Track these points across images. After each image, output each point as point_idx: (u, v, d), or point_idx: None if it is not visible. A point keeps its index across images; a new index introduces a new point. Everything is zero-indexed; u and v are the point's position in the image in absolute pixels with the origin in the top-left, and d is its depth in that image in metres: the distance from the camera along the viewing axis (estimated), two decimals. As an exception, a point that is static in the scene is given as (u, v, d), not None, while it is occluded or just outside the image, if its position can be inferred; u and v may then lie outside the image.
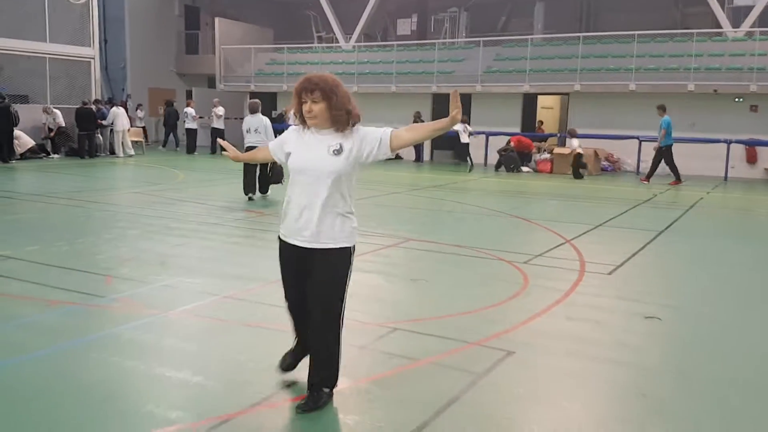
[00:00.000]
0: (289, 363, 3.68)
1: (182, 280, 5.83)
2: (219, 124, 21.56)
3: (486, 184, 15.65)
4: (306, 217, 3.25)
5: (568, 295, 5.66)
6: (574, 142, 16.95)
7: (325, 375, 3.36)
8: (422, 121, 18.66)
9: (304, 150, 3.29)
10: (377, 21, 26.49)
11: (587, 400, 3.63)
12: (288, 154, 3.36)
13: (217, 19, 25.72)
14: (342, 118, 3.21)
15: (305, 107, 3.21)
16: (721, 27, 19.48)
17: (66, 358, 4.03)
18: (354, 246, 3.35)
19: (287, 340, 4.11)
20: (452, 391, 3.59)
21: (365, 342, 4.31)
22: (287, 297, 3.52)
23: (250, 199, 11.11)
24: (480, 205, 11.54)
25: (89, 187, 12.79)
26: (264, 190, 11.47)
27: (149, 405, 3.37)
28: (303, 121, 3.29)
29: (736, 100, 17.90)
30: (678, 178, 15.77)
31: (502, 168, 18.50)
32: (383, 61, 23.11)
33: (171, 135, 23.02)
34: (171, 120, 23.02)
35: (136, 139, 20.83)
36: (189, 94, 25.76)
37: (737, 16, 19.83)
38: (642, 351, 4.38)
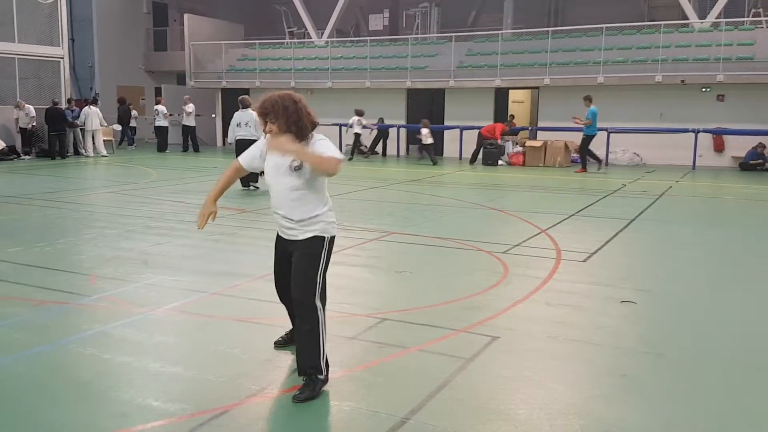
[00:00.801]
0: (282, 340, 4.09)
1: (167, 279, 5.88)
2: (190, 122, 21.45)
3: (461, 177, 15.84)
4: (285, 218, 3.57)
5: (547, 282, 5.84)
6: (424, 132, 18.40)
7: (309, 361, 3.49)
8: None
9: (271, 167, 3.56)
10: (348, 16, 26.52)
11: (570, 381, 3.79)
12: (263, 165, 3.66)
13: (186, 15, 25.51)
14: (296, 134, 3.44)
15: (266, 128, 3.51)
16: (687, 18, 19.90)
17: (59, 356, 4.08)
18: (330, 237, 3.58)
19: (278, 333, 4.23)
20: (443, 375, 3.73)
21: (356, 332, 4.43)
22: (276, 286, 3.81)
23: (247, 188, 11.93)
24: (456, 198, 11.71)
25: (64, 188, 12.67)
26: (245, 183, 11.95)
27: (148, 398, 3.45)
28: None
29: (703, 90, 18.32)
30: (584, 167, 16.53)
31: (478, 161, 18.70)
32: (357, 57, 23.16)
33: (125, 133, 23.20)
34: (125, 118, 23.03)
35: (106, 138, 20.60)
36: (158, 92, 25.55)
37: (703, 7, 20.29)
38: (619, 333, 4.57)
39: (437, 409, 3.35)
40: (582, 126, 16.13)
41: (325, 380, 3.54)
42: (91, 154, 19.04)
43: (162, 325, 4.68)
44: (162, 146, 21.57)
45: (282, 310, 3.93)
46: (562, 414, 3.32)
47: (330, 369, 3.60)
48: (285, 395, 3.51)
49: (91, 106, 19.52)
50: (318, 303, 3.49)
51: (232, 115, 12.06)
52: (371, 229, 8.18)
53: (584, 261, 6.68)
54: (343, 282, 5.71)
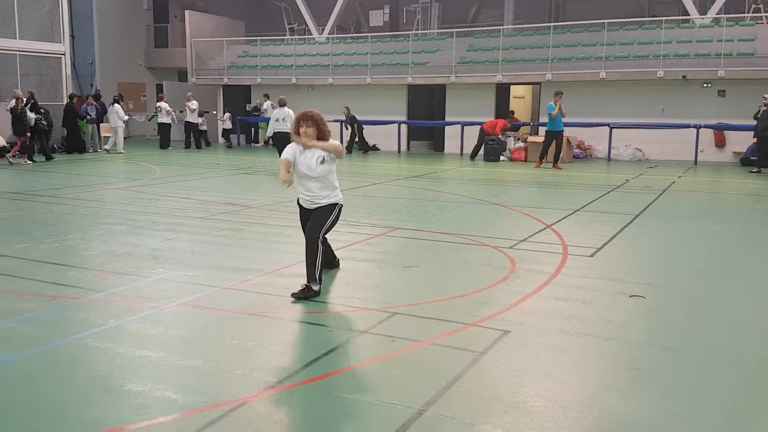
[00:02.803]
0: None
1: (178, 274, 5.92)
2: (193, 118, 21.48)
3: (462, 173, 15.88)
4: (312, 195, 5.34)
5: (555, 276, 5.89)
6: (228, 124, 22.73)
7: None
8: (352, 117, 20.66)
9: (303, 161, 5.32)
10: (349, 12, 26.51)
11: (582, 373, 3.83)
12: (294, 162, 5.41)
13: (187, 12, 25.50)
14: (320, 137, 5.30)
15: (302, 130, 5.28)
16: (688, 14, 19.90)
17: (76, 350, 4.12)
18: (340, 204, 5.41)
19: (293, 327, 4.28)
20: (456, 369, 3.78)
21: (367, 326, 4.47)
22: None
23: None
24: (459, 193, 11.75)
25: (68, 184, 12.70)
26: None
27: (167, 391, 3.49)
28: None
29: (705, 85, 18.34)
30: (540, 162, 16.58)
31: (479, 156, 18.74)
32: (357, 53, 23.16)
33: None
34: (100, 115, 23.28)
35: (107, 135, 20.60)
36: (160, 88, 25.54)
37: (703, 2, 20.30)
38: (629, 327, 4.61)
39: (453, 401, 3.40)
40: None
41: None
42: (105, 149, 19.46)
43: (176, 320, 4.72)
44: (164, 143, 21.59)
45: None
46: (577, 406, 3.36)
47: (340, 356, 3.95)
48: (302, 387, 3.56)
49: (114, 105, 19.75)
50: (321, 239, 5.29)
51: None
52: (376, 225, 8.22)
53: (591, 256, 6.73)
54: (352, 277, 5.77)
